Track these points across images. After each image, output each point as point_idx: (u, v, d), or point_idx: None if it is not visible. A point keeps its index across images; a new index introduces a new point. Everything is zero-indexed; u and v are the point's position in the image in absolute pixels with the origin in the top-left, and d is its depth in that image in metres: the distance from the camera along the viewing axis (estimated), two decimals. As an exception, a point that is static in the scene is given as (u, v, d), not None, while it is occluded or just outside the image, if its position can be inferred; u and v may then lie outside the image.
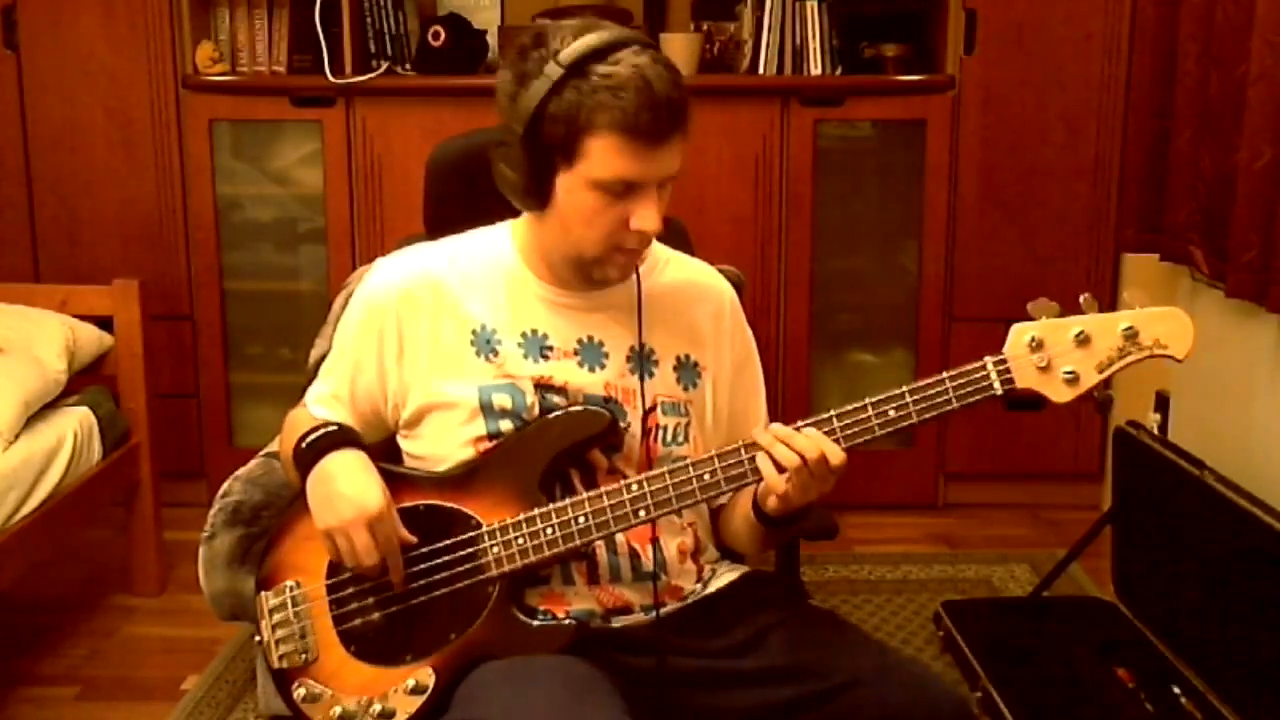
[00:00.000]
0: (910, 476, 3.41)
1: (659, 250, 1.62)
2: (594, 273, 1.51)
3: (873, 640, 1.61)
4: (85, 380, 2.80)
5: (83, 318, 2.83)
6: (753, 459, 1.42)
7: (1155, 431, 2.72)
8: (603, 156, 1.39)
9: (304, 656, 1.51)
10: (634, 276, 1.54)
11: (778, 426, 1.41)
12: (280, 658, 1.52)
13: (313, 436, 1.52)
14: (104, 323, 2.85)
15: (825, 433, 1.40)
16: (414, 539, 1.48)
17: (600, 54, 1.38)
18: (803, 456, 1.37)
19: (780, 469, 1.38)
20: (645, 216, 1.42)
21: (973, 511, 3.40)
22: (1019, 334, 1.39)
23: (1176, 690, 2.29)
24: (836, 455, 1.38)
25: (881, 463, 3.39)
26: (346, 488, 1.47)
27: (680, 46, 3.28)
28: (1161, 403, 2.87)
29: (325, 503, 1.47)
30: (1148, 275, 2.97)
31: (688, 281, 1.63)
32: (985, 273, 3.31)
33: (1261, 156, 2.28)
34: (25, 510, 2.43)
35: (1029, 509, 3.44)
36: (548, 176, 1.43)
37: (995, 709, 2.25)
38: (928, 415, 1.40)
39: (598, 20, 1.44)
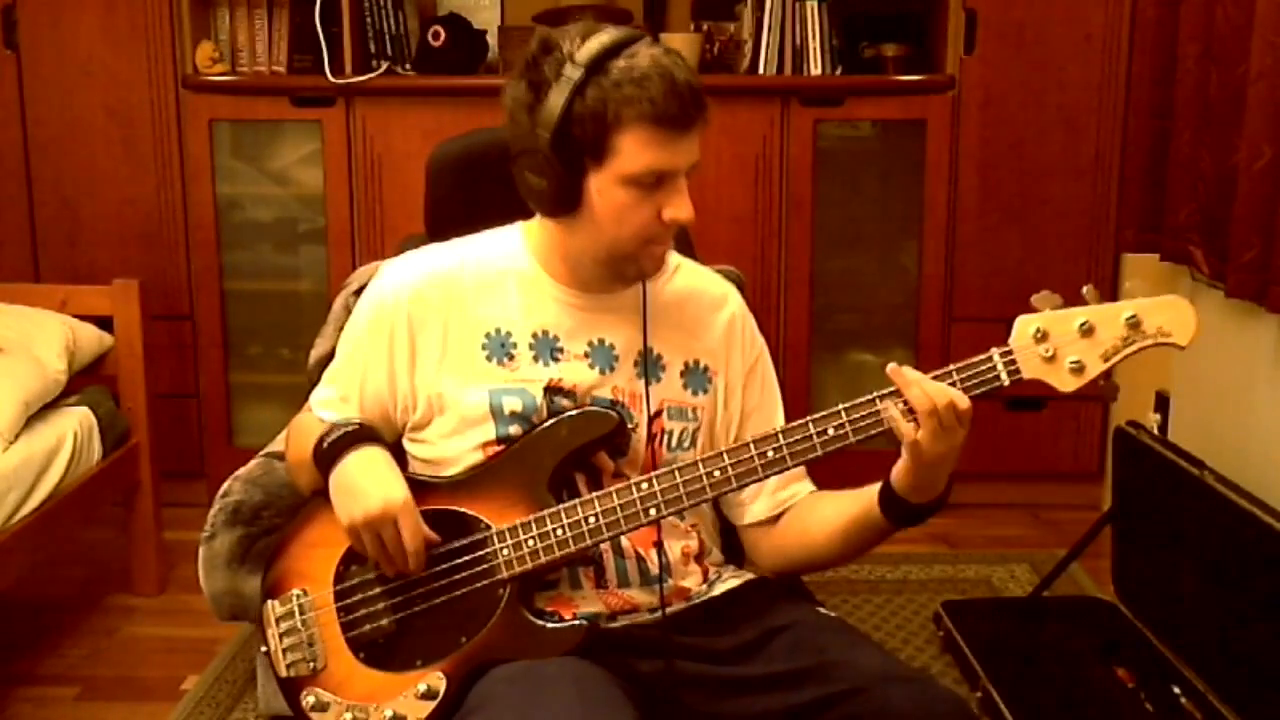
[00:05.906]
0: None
1: (670, 256, 1.61)
2: (627, 270, 1.50)
3: (878, 647, 1.59)
4: (85, 380, 2.80)
5: (83, 318, 2.83)
6: (764, 454, 1.41)
7: (1155, 431, 2.72)
8: (633, 150, 1.39)
9: (312, 665, 1.50)
10: (641, 281, 1.54)
11: (909, 370, 1.38)
12: (288, 666, 1.51)
13: (334, 435, 1.50)
14: (104, 323, 2.85)
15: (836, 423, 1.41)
16: (437, 537, 1.47)
17: (616, 50, 1.39)
18: (934, 402, 1.35)
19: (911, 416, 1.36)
20: (679, 206, 1.43)
21: (973, 511, 3.38)
22: (1024, 325, 1.38)
23: (1176, 690, 2.29)
24: (963, 401, 1.36)
25: (879, 462, 3.37)
26: (370, 484, 1.46)
27: (680, 46, 3.22)
28: (1161, 403, 2.87)
29: (350, 498, 1.47)
30: (1148, 275, 2.97)
31: (698, 289, 1.63)
32: (985, 273, 3.32)
33: (1261, 156, 2.28)
34: (25, 510, 2.43)
35: (1029, 509, 3.44)
36: (579, 179, 1.42)
37: (995, 709, 2.25)
38: None
39: (597, 23, 1.44)
